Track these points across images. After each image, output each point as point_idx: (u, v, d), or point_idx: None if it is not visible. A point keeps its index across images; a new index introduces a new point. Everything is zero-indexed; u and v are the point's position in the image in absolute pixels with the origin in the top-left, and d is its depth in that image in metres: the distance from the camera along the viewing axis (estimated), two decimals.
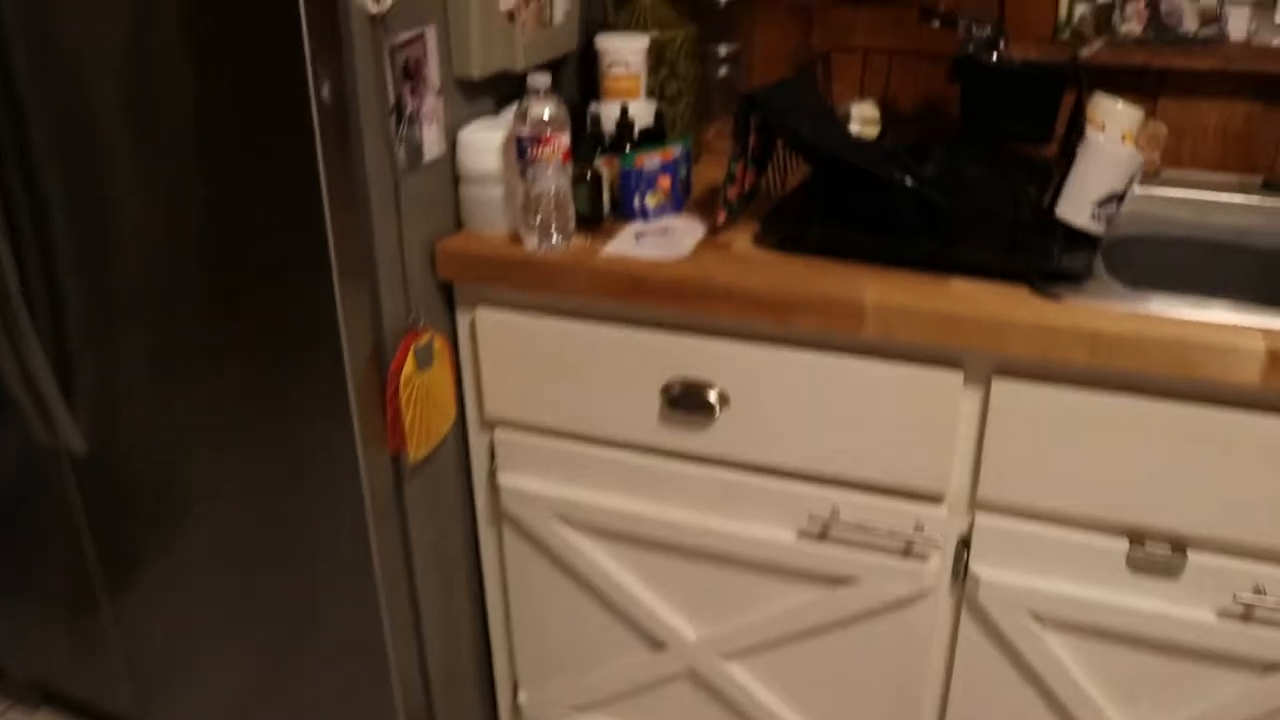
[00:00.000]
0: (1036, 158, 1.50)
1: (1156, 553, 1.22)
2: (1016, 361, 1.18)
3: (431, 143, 1.32)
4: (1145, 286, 1.54)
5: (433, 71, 1.30)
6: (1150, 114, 1.62)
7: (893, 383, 1.22)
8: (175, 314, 1.32)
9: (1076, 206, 1.29)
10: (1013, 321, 1.14)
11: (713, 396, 1.30)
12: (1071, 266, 1.20)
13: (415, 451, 1.34)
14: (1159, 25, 1.61)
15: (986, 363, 1.20)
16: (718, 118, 1.70)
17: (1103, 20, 1.64)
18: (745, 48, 1.70)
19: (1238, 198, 1.52)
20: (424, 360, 1.32)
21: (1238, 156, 1.62)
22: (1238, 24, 1.63)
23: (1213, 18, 1.61)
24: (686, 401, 1.31)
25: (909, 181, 1.22)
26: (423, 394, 1.33)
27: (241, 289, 1.26)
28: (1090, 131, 1.29)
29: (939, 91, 1.68)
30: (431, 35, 1.28)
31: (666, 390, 1.32)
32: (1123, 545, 1.23)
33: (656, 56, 1.51)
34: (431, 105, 1.30)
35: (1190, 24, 1.61)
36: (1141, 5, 1.61)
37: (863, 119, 1.49)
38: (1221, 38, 1.61)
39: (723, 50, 1.67)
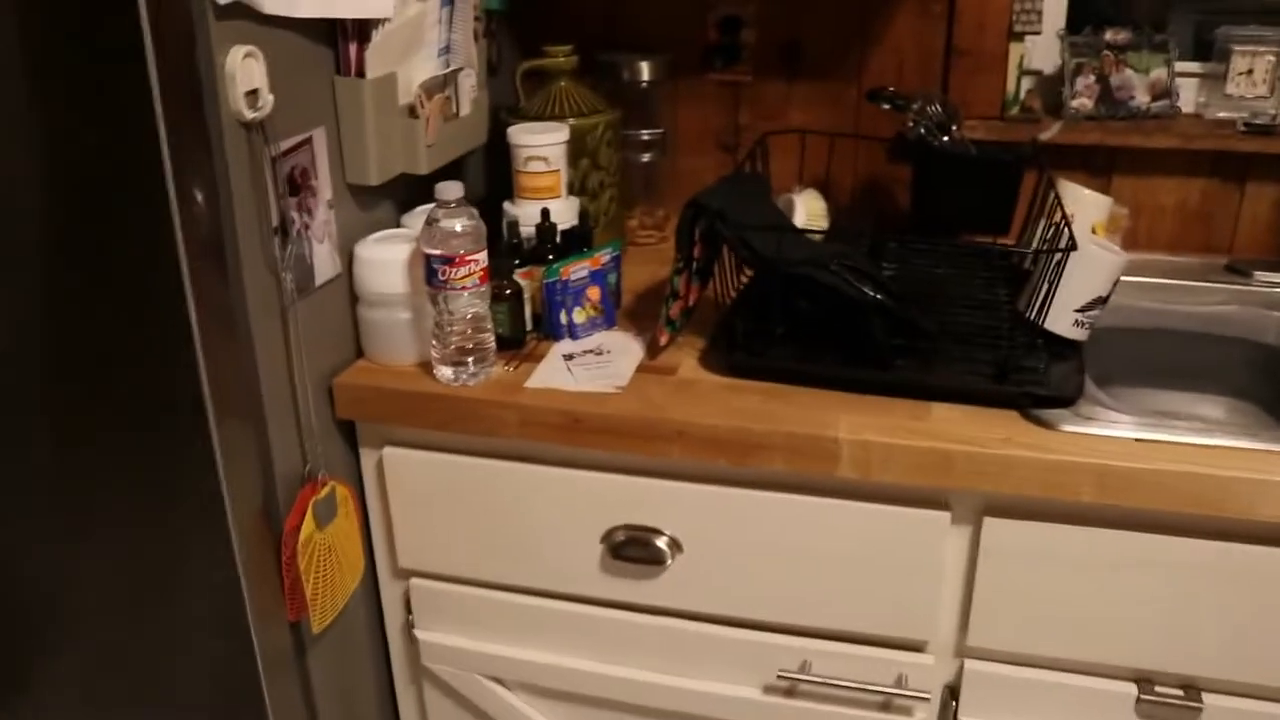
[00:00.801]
0: (995, 250, 1.38)
1: (1169, 697, 1.08)
2: (1011, 499, 1.03)
3: (324, 262, 1.13)
4: (1118, 383, 1.42)
5: (323, 180, 1.11)
6: (1107, 195, 1.51)
7: (870, 525, 1.07)
8: (22, 462, 1.10)
9: (1060, 315, 1.16)
10: (1009, 457, 1.00)
11: (662, 543, 1.13)
12: (1066, 390, 1.06)
13: (320, 620, 1.14)
14: (1110, 100, 1.50)
15: (977, 500, 1.06)
16: (640, 205, 1.55)
17: (1050, 96, 1.53)
18: (669, 130, 1.55)
19: (1204, 282, 1.41)
20: (325, 515, 1.12)
21: (1196, 235, 1.52)
22: (1187, 96, 1.54)
23: (1164, 91, 1.51)
24: (632, 550, 1.14)
25: (881, 299, 1.07)
26: (325, 554, 1.13)
27: (105, 440, 1.06)
28: (1066, 235, 1.16)
29: (882, 174, 1.55)
30: (320, 139, 1.10)
31: (609, 537, 1.14)
32: (1130, 690, 1.09)
33: (576, 147, 1.35)
34: (323, 219, 1.12)
35: (1142, 98, 1.51)
36: (1091, 80, 1.50)
37: (809, 213, 1.35)
38: (1174, 112, 1.51)
39: (645, 135, 1.52)
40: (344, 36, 1.10)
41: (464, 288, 1.09)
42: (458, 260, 1.08)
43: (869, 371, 1.09)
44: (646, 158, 1.52)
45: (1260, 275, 1.41)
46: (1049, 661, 1.11)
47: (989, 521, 1.05)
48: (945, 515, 1.06)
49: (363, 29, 1.11)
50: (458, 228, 1.09)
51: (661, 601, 1.17)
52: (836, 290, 1.08)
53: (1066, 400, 1.07)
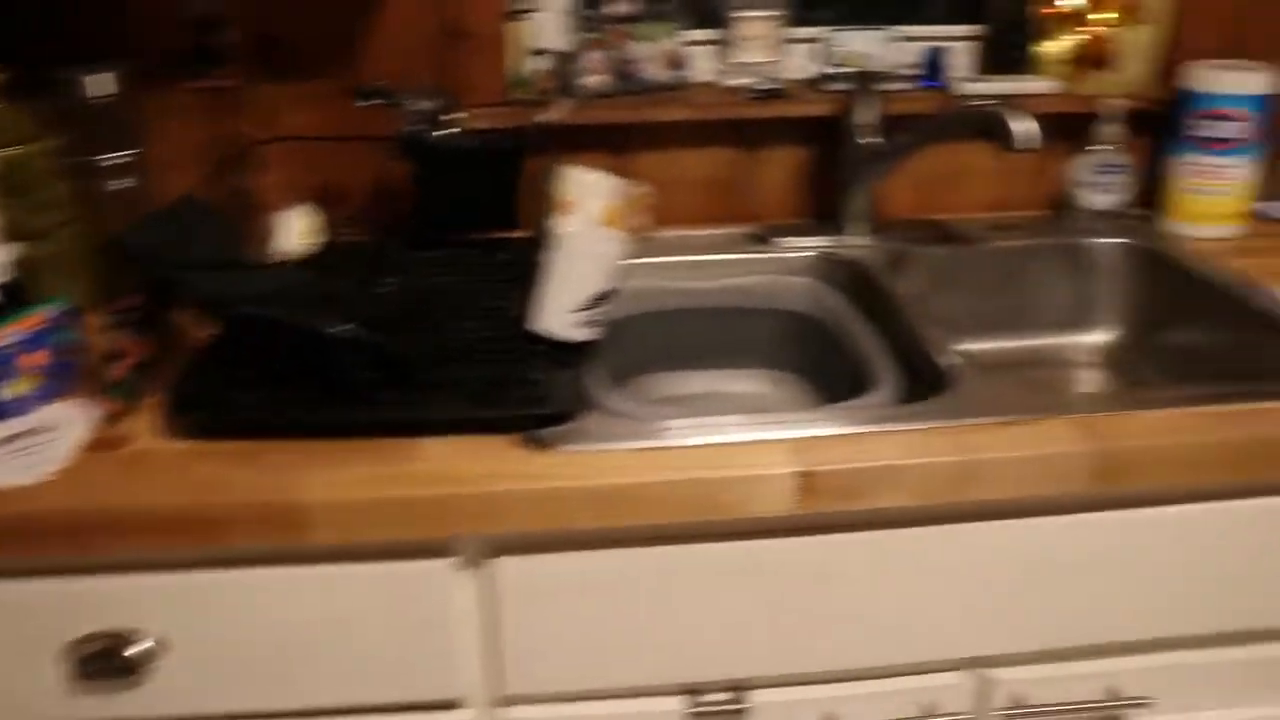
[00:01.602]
0: (509, 246, 1.28)
1: (717, 702, 1.03)
2: (518, 534, 0.94)
3: None
4: (653, 370, 1.37)
5: None
6: (629, 173, 1.45)
7: (367, 586, 0.95)
8: None
9: (558, 316, 1.08)
10: (501, 494, 0.90)
11: (139, 648, 0.96)
12: (562, 405, 0.97)
13: None
14: (622, 75, 1.44)
15: (481, 541, 0.95)
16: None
17: (566, 75, 1.45)
18: (144, 150, 1.35)
19: (730, 255, 1.38)
20: None
21: (723, 206, 1.49)
22: (702, 65, 1.50)
23: (676, 62, 1.46)
24: (103, 661, 0.96)
25: (345, 330, 0.94)
26: None
27: None
28: (561, 227, 1.07)
29: (391, 177, 1.42)
30: None
31: (73, 650, 0.96)
32: (679, 705, 1.03)
33: (3, 184, 1.14)
34: None
35: (654, 70, 1.45)
36: (600, 56, 1.43)
37: (299, 231, 1.20)
38: (687, 82, 1.46)
39: (111, 159, 1.31)
40: None
41: None
42: None
43: (346, 413, 0.96)
44: (118, 185, 1.32)
45: (779, 241, 1.39)
46: (599, 692, 1.04)
47: (499, 561, 0.96)
48: (448, 563, 0.95)
49: None
50: None
51: (152, 710, 1.00)
52: (295, 328, 0.94)
53: (565, 416, 0.98)
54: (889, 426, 0.97)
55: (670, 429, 0.96)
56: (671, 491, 0.91)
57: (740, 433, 0.96)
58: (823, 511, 0.93)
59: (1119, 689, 1.11)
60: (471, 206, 1.27)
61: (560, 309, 1.07)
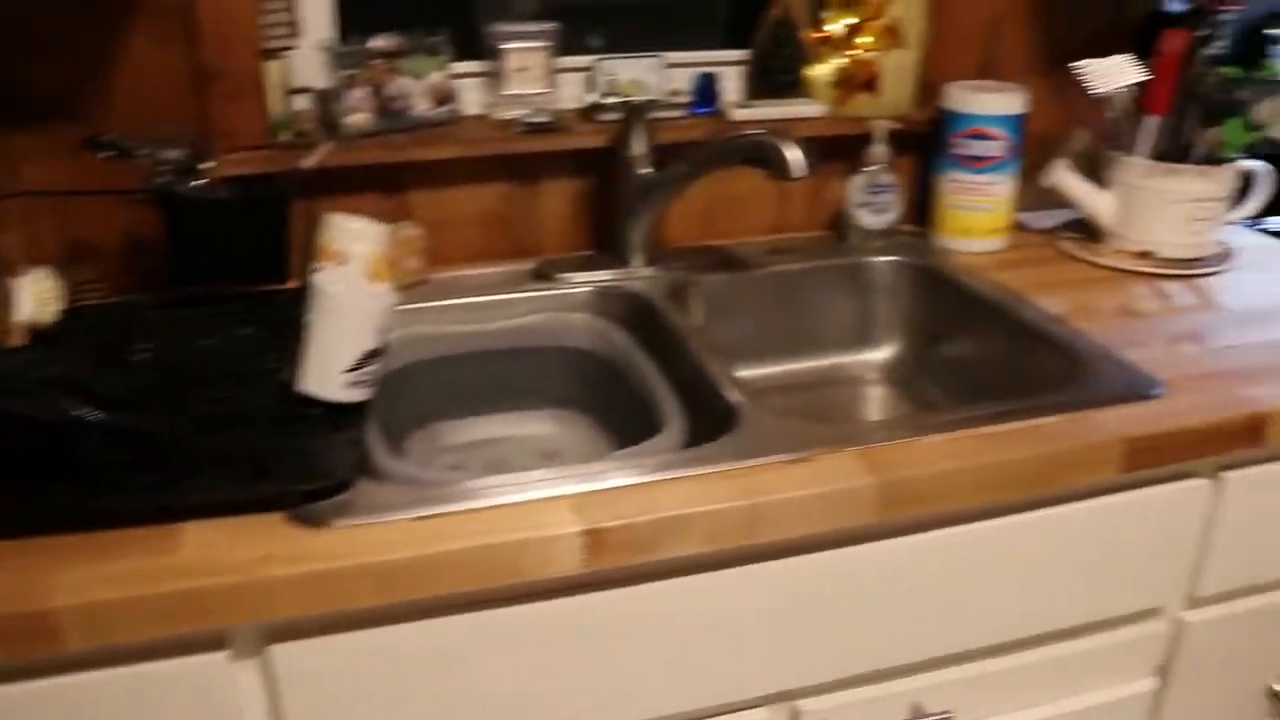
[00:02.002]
0: (277, 300, 1.21)
1: None
2: (297, 619, 0.88)
3: None
4: (440, 419, 1.32)
5: None
6: (402, 214, 1.40)
7: (133, 690, 0.87)
8: None
9: (328, 377, 1.02)
10: (271, 580, 0.84)
11: None
12: (335, 476, 0.92)
13: None
14: (389, 112, 1.39)
15: (256, 630, 0.89)
16: None
17: (329, 114, 1.39)
18: None
19: (512, 294, 1.34)
20: None
21: (503, 243, 1.46)
22: (472, 97, 1.46)
23: (445, 96, 1.41)
24: None
25: (81, 414, 0.86)
26: None
27: None
28: (326, 280, 1.01)
29: (147, 234, 1.32)
30: None
31: None
32: None
33: None
34: None
35: (422, 105, 1.40)
36: (366, 92, 1.37)
37: (37, 298, 1.10)
38: (458, 117, 1.42)
39: None
40: None
41: None
42: None
43: (93, 504, 0.88)
44: None
45: (561, 276, 1.37)
46: None
47: (277, 649, 0.89)
48: (222, 655, 0.88)
49: None
50: None
51: None
52: (19, 416, 0.85)
53: (339, 487, 0.92)
54: (676, 473, 0.95)
55: (452, 493, 0.92)
56: (456, 560, 0.87)
57: (523, 492, 0.92)
58: (614, 567, 0.91)
59: (922, 705, 1.13)
60: (233, 259, 1.19)
61: (330, 369, 1.01)
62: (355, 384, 1.03)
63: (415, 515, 0.90)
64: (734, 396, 1.08)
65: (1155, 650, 1.22)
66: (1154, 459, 1.05)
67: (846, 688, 1.09)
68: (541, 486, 0.93)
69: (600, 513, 0.90)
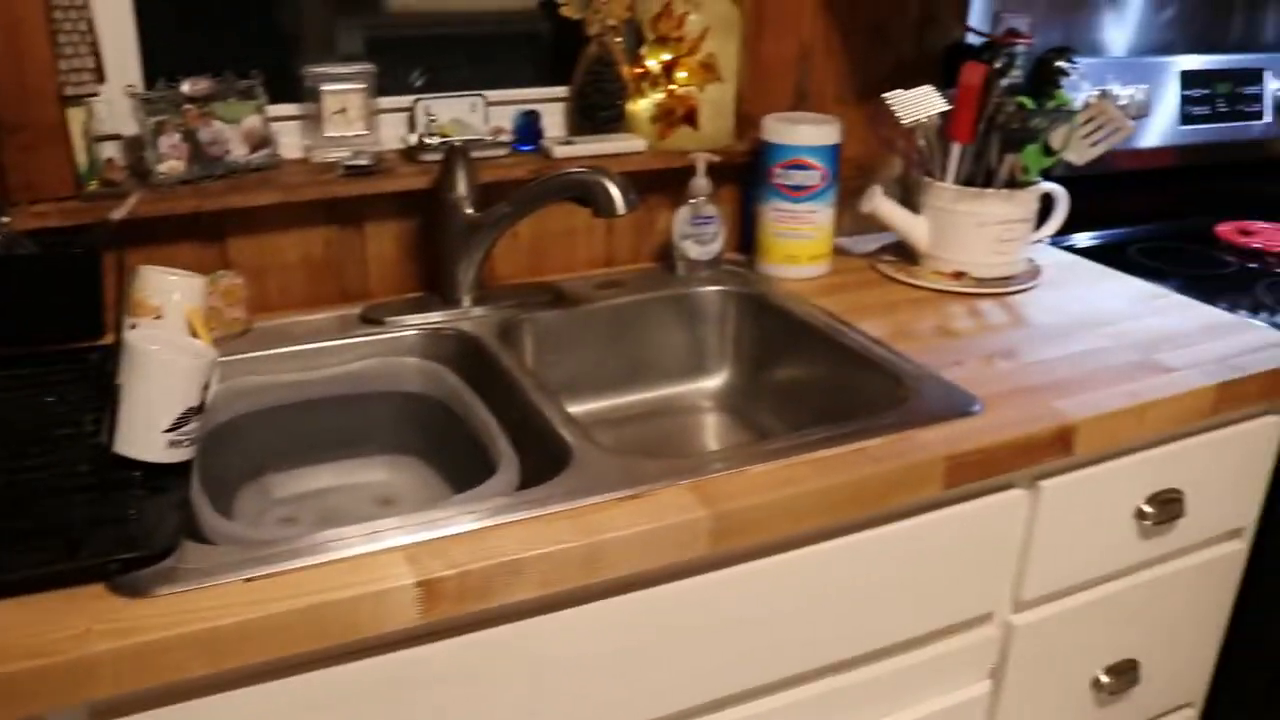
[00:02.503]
0: (91, 358, 1.17)
1: None
2: (126, 695, 0.84)
3: None
4: (274, 470, 1.29)
5: None
6: (222, 263, 1.36)
7: None
8: None
9: (145, 438, 0.98)
10: (90, 656, 0.80)
11: None
12: (157, 542, 0.89)
13: None
14: (204, 158, 1.35)
15: (78, 711, 0.85)
16: None
17: (141, 162, 1.34)
18: None
19: (342, 339, 1.32)
20: None
21: (331, 287, 1.43)
22: (291, 140, 1.43)
23: (262, 140, 1.38)
24: None
25: None
26: None
27: None
28: (135, 340, 0.98)
29: None
30: None
31: None
32: None
33: None
34: None
35: (239, 150, 1.37)
36: (179, 138, 1.33)
37: None
38: (276, 161, 1.39)
39: None
40: None
41: None
42: None
43: None
44: None
45: (391, 320, 1.35)
46: None
47: None
48: None
49: None
50: None
51: None
52: None
53: (161, 554, 0.89)
54: (509, 517, 0.95)
55: (281, 551, 0.90)
56: (287, 622, 0.85)
57: (354, 546, 0.91)
58: (452, 616, 0.90)
59: None
60: (41, 316, 1.14)
61: (148, 429, 0.98)
62: (176, 444, 1.00)
63: (244, 577, 0.88)
64: (566, 435, 1.08)
65: (988, 654, 1.27)
66: (974, 473, 1.10)
67: (694, 716, 1.10)
68: (373, 539, 0.91)
69: (434, 562, 0.89)
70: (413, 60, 1.55)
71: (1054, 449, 1.14)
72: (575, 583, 0.93)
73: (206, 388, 1.02)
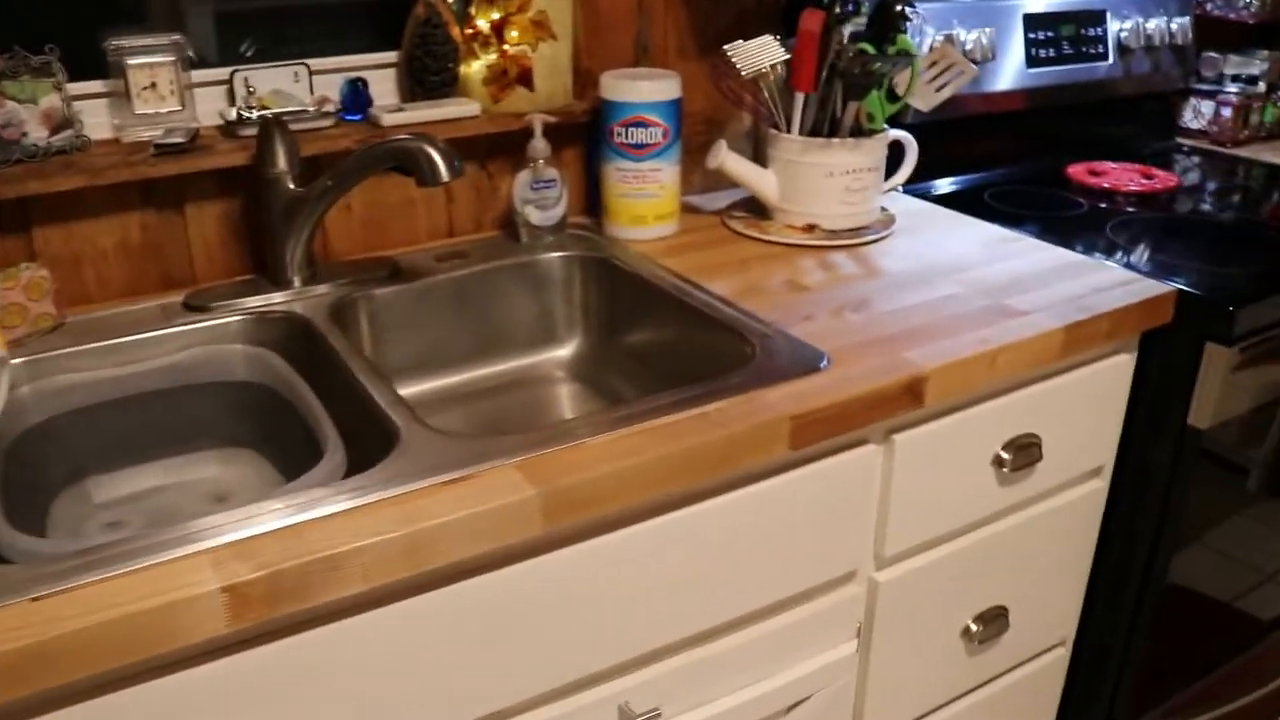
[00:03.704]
0: None
1: None
2: None
3: None
4: (96, 472, 1.21)
5: None
6: (29, 254, 1.27)
7: None
8: None
9: None
10: None
11: None
12: None
13: None
14: None
15: None
16: None
17: None
18: None
19: (165, 329, 1.24)
20: None
21: (153, 274, 1.35)
22: (99, 120, 1.34)
23: (63, 121, 1.29)
24: None
25: None
26: None
27: None
28: None
29: None
30: None
31: None
32: None
33: None
34: None
35: (38, 133, 1.27)
36: None
37: None
38: (82, 143, 1.30)
39: None
40: None
41: None
42: None
43: None
44: None
45: (216, 306, 1.27)
46: None
47: None
48: None
49: None
50: None
51: None
52: None
53: None
54: (328, 510, 0.89)
55: (79, 565, 0.83)
56: (82, 640, 0.78)
57: (158, 552, 0.84)
58: (267, 619, 0.84)
59: (630, 706, 1.11)
60: None
61: None
62: None
63: (32, 596, 0.80)
64: (394, 417, 1.02)
65: (854, 613, 1.25)
66: (822, 431, 1.07)
67: (551, 701, 1.06)
68: (178, 545, 0.85)
69: (240, 565, 0.82)
70: (241, 29, 1.45)
71: (904, 401, 1.11)
72: (400, 575, 0.88)
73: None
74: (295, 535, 0.86)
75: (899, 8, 1.42)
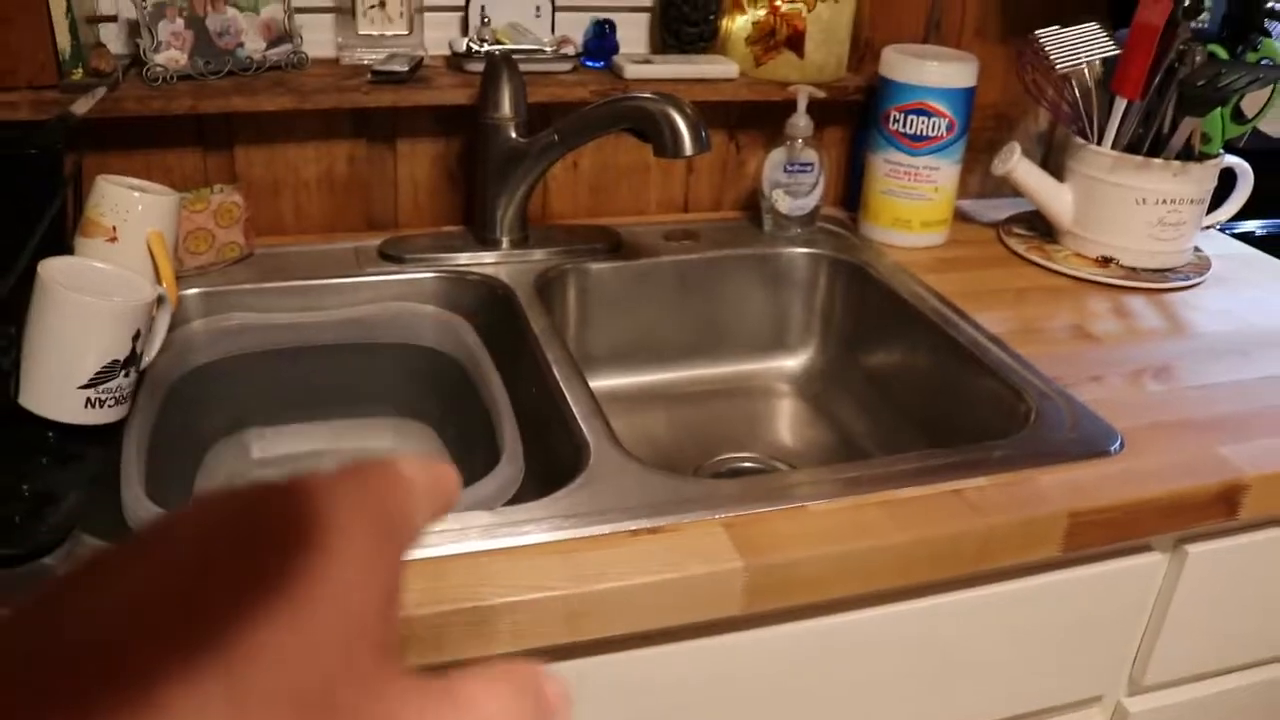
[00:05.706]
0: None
1: None
2: None
3: None
4: (260, 425, 1.09)
5: None
6: (225, 175, 1.16)
7: None
8: None
9: (55, 393, 0.79)
10: None
11: None
12: (47, 534, 0.69)
13: None
14: (211, 49, 1.14)
15: None
16: None
17: (134, 49, 1.14)
18: None
19: (354, 277, 1.11)
20: None
21: (355, 211, 1.22)
22: (323, 36, 1.21)
23: (282, 35, 1.16)
24: None
25: None
26: None
27: None
28: (43, 273, 0.78)
29: None
30: None
31: None
32: None
33: None
34: None
35: (254, 44, 1.16)
36: (182, 25, 1.12)
37: None
38: (300, 60, 1.18)
39: None
40: None
41: None
42: None
43: None
44: None
45: (414, 257, 1.13)
46: None
47: None
48: None
49: None
50: None
51: None
52: None
53: (41, 549, 0.69)
54: (489, 543, 0.73)
55: None
56: None
57: None
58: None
59: None
60: None
61: (58, 381, 0.78)
62: (96, 402, 0.80)
63: None
64: (585, 430, 0.85)
65: None
66: (1104, 536, 0.85)
67: None
68: None
69: None
70: None
71: (1213, 511, 0.88)
72: (557, 639, 0.71)
73: (138, 336, 0.81)
74: (438, 571, 0.70)
75: (1270, 3, 1.14)
